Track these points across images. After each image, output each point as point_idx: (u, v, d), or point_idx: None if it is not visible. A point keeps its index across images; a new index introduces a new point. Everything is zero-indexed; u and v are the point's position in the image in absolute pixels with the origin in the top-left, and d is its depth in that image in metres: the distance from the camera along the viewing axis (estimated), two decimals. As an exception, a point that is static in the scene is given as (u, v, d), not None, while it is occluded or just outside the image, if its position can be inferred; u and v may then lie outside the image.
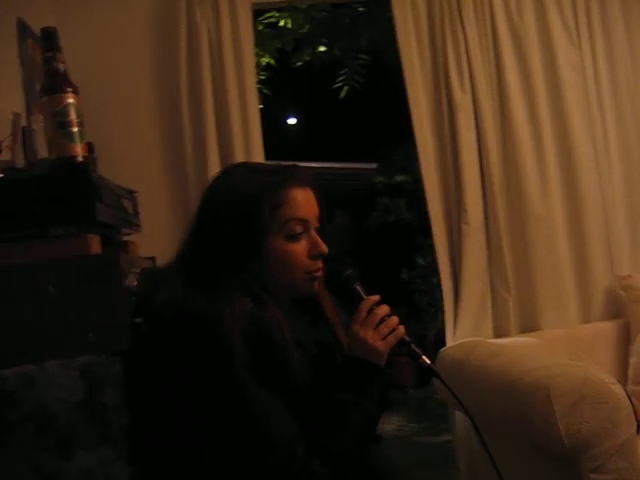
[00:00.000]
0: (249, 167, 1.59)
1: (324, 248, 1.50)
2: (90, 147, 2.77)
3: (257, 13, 3.65)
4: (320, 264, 1.51)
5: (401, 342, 1.45)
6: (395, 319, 1.45)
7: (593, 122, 3.09)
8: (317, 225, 1.53)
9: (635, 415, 2.38)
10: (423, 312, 5.67)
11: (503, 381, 2.27)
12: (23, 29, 2.58)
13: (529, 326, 3.03)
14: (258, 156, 2.92)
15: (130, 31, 3.02)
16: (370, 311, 1.44)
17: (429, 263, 5.30)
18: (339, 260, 1.60)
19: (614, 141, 3.13)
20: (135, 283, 1.51)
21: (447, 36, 3.00)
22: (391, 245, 6.11)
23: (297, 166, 1.55)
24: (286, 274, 1.47)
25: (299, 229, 1.48)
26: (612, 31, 3.14)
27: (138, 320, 1.45)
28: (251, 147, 2.91)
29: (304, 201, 1.50)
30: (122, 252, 1.83)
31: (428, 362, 1.46)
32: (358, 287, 1.50)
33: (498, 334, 3.01)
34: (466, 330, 2.97)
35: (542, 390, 2.04)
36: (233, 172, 1.57)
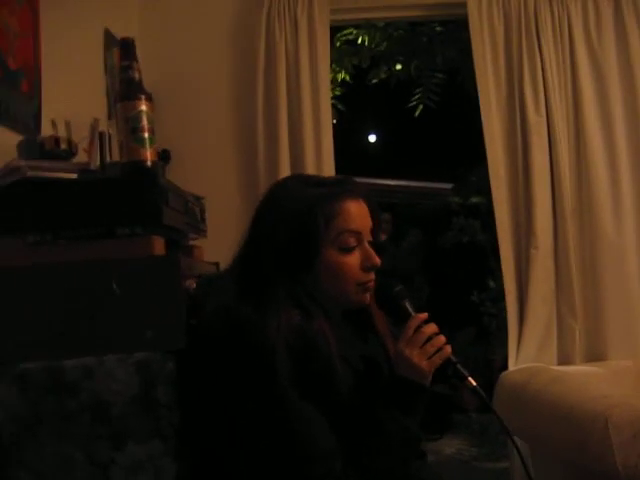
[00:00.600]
0: (304, 179, 1.63)
1: (377, 260, 1.51)
2: (166, 153, 2.90)
3: (335, 29, 3.73)
4: (372, 276, 1.52)
5: (447, 362, 1.44)
6: (442, 338, 1.44)
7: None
8: (370, 238, 1.54)
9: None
10: (492, 336, 5.59)
11: (562, 408, 2.23)
12: (109, 39, 2.70)
13: (595, 355, 2.97)
14: (329, 171, 2.95)
15: (210, 43, 3.12)
16: (417, 329, 1.44)
17: (500, 286, 5.21)
18: (390, 276, 1.60)
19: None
20: (194, 286, 1.56)
21: (523, 58, 2.98)
22: (464, 266, 6.05)
23: (351, 178, 1.58)
24: (338, 285, 1.49)
25: (352, 242, 1.49)
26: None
27: (193, 322, 1.50)
28: (322, 161, 2.96)
29: (357, 213, 1.51)
30: (186, 255, 1.88)
31: (474, 384, 1.44)
32: (407, 304, 1.51)
33: (562, 361, 2.96)
34: (529, 355, 2.93)
35: (600, 419, 2.00)
36: (288, 183, 1.61)
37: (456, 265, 6.39)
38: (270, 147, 2.97)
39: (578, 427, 2.08)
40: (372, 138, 11.05)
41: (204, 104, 3.11)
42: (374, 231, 1.56)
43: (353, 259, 1.49)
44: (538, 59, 2.98)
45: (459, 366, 1.45)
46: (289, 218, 1.48)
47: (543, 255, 2.94)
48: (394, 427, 1.39)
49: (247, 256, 1.52)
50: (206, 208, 2.48)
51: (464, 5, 3.02)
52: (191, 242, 2.05)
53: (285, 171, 2.91)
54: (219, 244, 1.87)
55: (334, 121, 3.14)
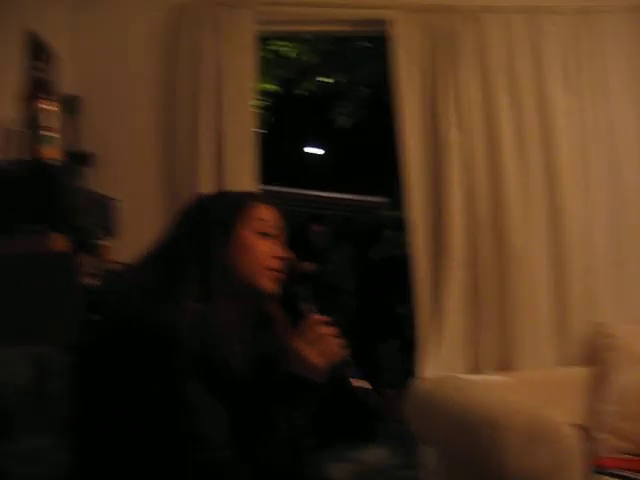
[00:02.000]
0: (226, 190, 1.72)
1: (289, 253, 1.59)
2: (85, 156, 2.89)
3: (263, 40, 3.78)
4: (281, 267, 1.58)
5: (340, 362, 1.50)
6: (339, 340, 1.50)
7: (584, 169, 3.15)
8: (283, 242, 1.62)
9: (592, 462, 2.41)
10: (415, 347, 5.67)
11: (462, 415, 2.31)
12: (31, 41, 2.68)
13: (503, 365, 3.05)
14: (250, 179, 2.99)
15: (137, 50, 3.14)
16: (314, 328, 1.50)
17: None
18: (294, 280, 1.65)
19: (602, 188, 3.17)
20: (93, 282, 1.58)
21: (442, 76, 3.09)
22: (392, 278, 6.14)
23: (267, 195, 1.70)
24: (250, 262, 1.54)
25: (270, 229, 1.58)
26: (608, 80, 3.21)
27: (95, 317, 1.51)
28: (244, 171, 2.99)
29: (274, 214, 1.61)
30: (93, 255, 1.90)
31: (368, 386, 1.50)
32: (307, 305, 1.56)
33: (472, 371, 3.03)
34: (440, 364, 2.99)
35: (495, 426, 2.08)
36: (214, 192, 1.75)
37: (384, 278, 6.47)
38: (192, 157, 2.98)
39: (476, 433, 2.16)
40: (312, 150, 11.15)
41: (130, 109, 3.12)
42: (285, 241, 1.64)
43: (267, 246, 1.56)
44: (456, 77, 3.09)
45: (353, 368, 1.51)
46: (212, 208, 1.58)
47: (456, 267, 3.02)
48: (285, 422, 1.43)
49: (161, 246, 1.56)
50: (125, 210, 2.51)
51: (387, 23, 3.11)
52: (102, 242, 2.06)
53: (206, 177, 2.94)
54: (136, 245, 1.90)
55: (264, 131, 3.17)
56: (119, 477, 1.40)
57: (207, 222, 1.54)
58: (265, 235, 1.57)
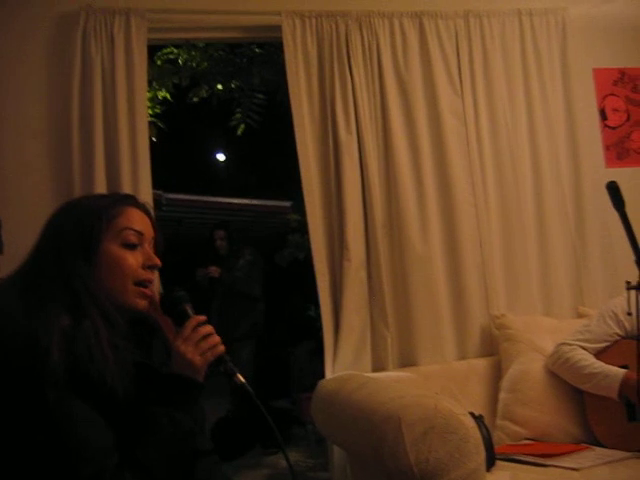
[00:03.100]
0: (93, 195, 1.69)
1: (157, 260, 1.61)
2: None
3: (156, 48, 3.76)
4: (152, 277, 1.60)
5: (219, 360, 1.55)
6: (216, 338, 1.55)
7: (472, 166, 3.26)
8: (152, 245, 1.64)
9: (493, 449, 2.50)
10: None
11: (362, 411, 2.34)
12: None
13: (407, 361, 3.13)
14: (146, 188, 2.96)
15: (25, 59, 3.05)
16: (194, 329, 1.53)
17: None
18: (173, 286, 1.68)
19: (492, 185, 3.29)
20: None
21: (335, 80, 3.14)
22: (300, 282, 6.19)
23: (134, 195, 1.72)
24: (117, 280, 1.55)
25: (134, 239, 1.59)
26: (493, 81, 3.34)
27: None
28: (139, 179, 2.95)
29: (140, 218, 1.63)
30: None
31: (242, 380, 1.54)
32: (187, 307, 1.59)
33: (376, 368, 3.09)
34: (345, 364, 3.04)
35: (394, 419, 2.11)
36: (77, 198, 1.74)
37: (293, 282, 6.52)
38: (85, 166, 2.92)
39: (375, 428, 2.18)
40: (220, 157, 11.10)
41: (19, 122, 3.04)
42: (156, 243, 1.65)
43: (134, 257, 1.58)
44: (349, 81, 3.14)
45: (230, 364, 1.55)
46: (74, 218, 1.57)
47: (355, 267, 3.07)
48: (166, 421, 1.45)
49: (28, 261, 1.55)
50: (14, 226, 2.44)
51: (279, 28, 3.14)
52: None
53: (101, 190, 2.88)
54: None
55: (154, 139, 3.15)
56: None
57: (70, 236, 1.53)
58: (132, 246, 1.57)
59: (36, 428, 1.35)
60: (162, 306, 1.60)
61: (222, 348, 1.54)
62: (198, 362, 1.51)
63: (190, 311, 1.59)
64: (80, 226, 1.55)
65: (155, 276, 1.64)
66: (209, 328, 1.55)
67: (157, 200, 8.12)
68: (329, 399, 2.73)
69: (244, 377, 1.55)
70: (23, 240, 1.72)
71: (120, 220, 1.58)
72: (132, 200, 1.67)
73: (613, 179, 3.32)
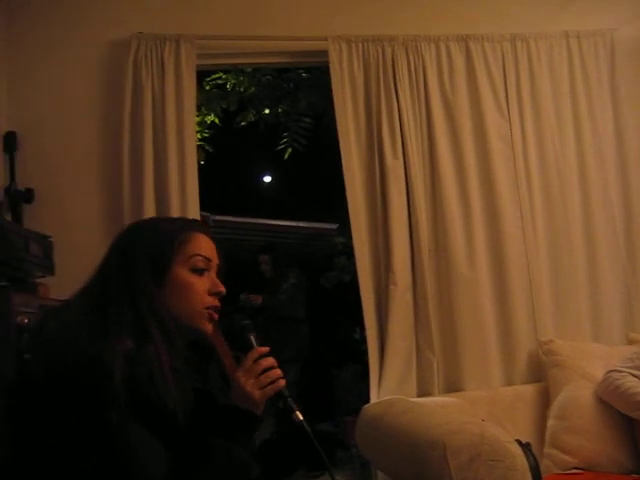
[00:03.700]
0: (160, 217, 1.72)
1: (222, 288, 1.61)
2: (30, 193, 2.89)
3: (204, 74, 3.83)
4: (218, 303, 1.60)
5: (279, 395, 1.52)
6: (277, 372, 1.53)
7: (520, 191, 3.24)
8: (216, 271, 1.64)
9: (540, 478, 2.45)
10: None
11: (407, 436, 2.32)
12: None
13: (453, 387, 3.10)
14: (194, 211, 3.00)
15: (78, 85, 3.14)
16: (256, 361, 1.52)
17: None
18: (239, 312, 1.68)
19: (540, 209, 3.26)
20: (26, 321, 1.57)
21: (382, 104, 3.15)
22: (346, 305, 6.20)
23: (203, 221, 1.70)
24: (185, 303, 1.56)
25: (202, 265, 1.59)
26: (541, 105, 3.32)
27: (27, 356, 1.50)
28: (187, 202, 2.99)
29: (207, 244, 1.64)
30: (27, 292, 1.89)
31: (301, 418, 1.51)
32: (251, 337, 1.58)
33: (422, 394, 3.07)
34: (390, 389, 3.02)
35: (439, 445, 2.08)
36: (145, 219, 1.78)
37: (338, 305, 6.51)
38: (135, 188, 2.98)
39: (419, 453, 2.16)
40: (267, 179, 11.19)
41: (71, 146, 3.12)
42: (219, 269, 1.66)
43: (202, 282, 1.59)
44: (395, 105, 3.15)
45: (289, 400, 1.53)
46: (146, 240, 1.58)
47: (402, 291, 3.07)
48: (222, 453, 1.44)
49: (95, 281, 1.56)
50: (67, 248, 2.49)
51: (326, 53, 3.17)
52: (40, 280, 2.05)
53: (150, 212, 2.93)
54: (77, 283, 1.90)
55: (202, 162, 3.19)
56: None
57: (140, 258, 1.54)
58: (200, 271, 1.59)
59: (94, 450, 1.35)
60: (225, 333, 1.60)
61: (283, 383, 1.53)
62: (257, 396, 1.50)
63: (254, 341, 1.57)
64: (151, 248, 1.56)
65: (219, 303, 1.64)
66: (271, 361, 1.54)
67: (204, 222, 8.19)
68: (374, 423, 2.72)
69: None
70: (73, 261, 1.76)
71: (190, 246, 1.59)
72: (200, 226, 1.68)
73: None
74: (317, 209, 8.21)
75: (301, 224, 9.17)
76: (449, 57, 3.25)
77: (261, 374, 1.51)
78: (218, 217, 8.44)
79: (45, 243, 2.02)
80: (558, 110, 3.34)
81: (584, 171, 3.33)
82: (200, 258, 1.59)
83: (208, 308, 1.59)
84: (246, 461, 1.49)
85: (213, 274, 1.62)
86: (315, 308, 6.44)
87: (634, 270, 3.31)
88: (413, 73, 3.21)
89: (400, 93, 3.17)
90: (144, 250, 1.55)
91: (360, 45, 3.20)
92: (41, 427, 1.40)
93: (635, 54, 3.51)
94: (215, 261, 1.65)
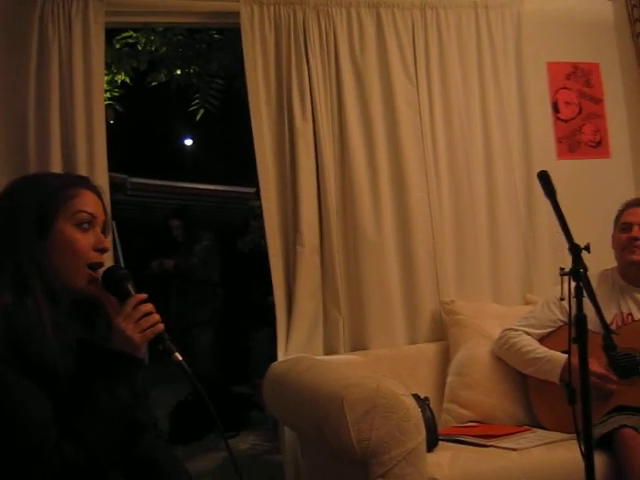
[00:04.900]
0: (46, 173, 1.72)
1: (107, 243, 1.65)
2: None
3: (115, 32, 3.77)
4: (102, 258, 1.64)
5: (158, 337, 1.58)
6: (156, 316, 1.58)
7: (426, 155, 3.32)
8: (102, 229, 1.67)
9: (436, 430, 2.57)
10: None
11: (308, 391, 2.41)
12: None
13: (358, 345, 3.19)
14: (101, 170, 2.97)
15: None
16: (135, 307, 1.57)
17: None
18: (116, 266, 1.72)
19: (444, 174, 3.36)
20: None
21: (292, 67, 3.17)
22: (262, 269, 6.25)
23: (89, 178, 1.75)
24: (69, 260, 1.58)
25: (87, 220, 1.61)
26: (448, 73, 3.40)
27: None
28: (95, 161, 2.96)
29: (94, 201, 1.66)
30: None
31: (180, 358, 1.57)
32: (129, 285, 1.62)
33: (328, 352, 3.15)
34: (297, 347, 3.09)
35: (337, 399, 2.18)
36: (29, 175, 1.75)
37: (254, 268, 6.55)
38: (41, 147, 2.92)
39: (319, 407, 2.25)
40: (188, 142, 11.10)
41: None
42: (105, 225, 1.69)
43: (86, 238, 1.61)
44: (305, 69, 3.18)
45: (168, 342, 1.58)
46: (30, 195, 1.59)
47: (309, 252, 3.13)
48: (104, 394, 1.48)
49: None
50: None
51: (238, 15, 3.16)
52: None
53: (57, 170, 2.88)
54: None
55: (112, 121, 3.16)
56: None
57: (24, 212, 1.55)
58: (85, 228, 1.61)
59: None
60: (104, 284, 1.63)
61: (161, 326, 1.58)
62: (137, 339, 1.54)
63: (132, 289, 1.62)
64: (35, 203, 1.57)
65: (104, 259, 1.67)
66: (149, 306, 1.58)
67: (122, 184, 8.09)
68: (279, 381, 2.80)
69: (185, 359, 1.57)
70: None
71: (75, 202, 1.61)
72: (86, 182, 1.70)
73: (564, 169, 3.46)
74: (236, 173, 8.19)
75: (219, 187, 9.15)
76: (360, 22, 3.28)
77: (140, 319, 1.56)
78: (135, 180, 8.36)
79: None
80: (465, 78, 3.42)
81: (488, 138, 3.43)
82: (85, 214, 1.61)
83: (91, 266, 1.61)
84: (129, 400, 1.54)
85: (98, 230, 1.65)
86: (231, 272, 6.46)
87: (533, 235, 3.46)
88: (324, 37, 3.23)
89: (310, 57, 3.19)
90: (28, 204, 1.56)
91: (272, 7, 3.19)
92: None
93: (540, 26, 3.62)
94: (101, 217, 1.67)
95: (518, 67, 3.52)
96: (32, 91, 2.95)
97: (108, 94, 3.82)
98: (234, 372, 6.45)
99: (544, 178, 1.97)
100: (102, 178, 2.93)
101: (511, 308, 3.24)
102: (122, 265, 6.36)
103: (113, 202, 2.99)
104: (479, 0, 3.48)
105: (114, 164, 3.18)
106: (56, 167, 2.90)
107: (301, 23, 3.21)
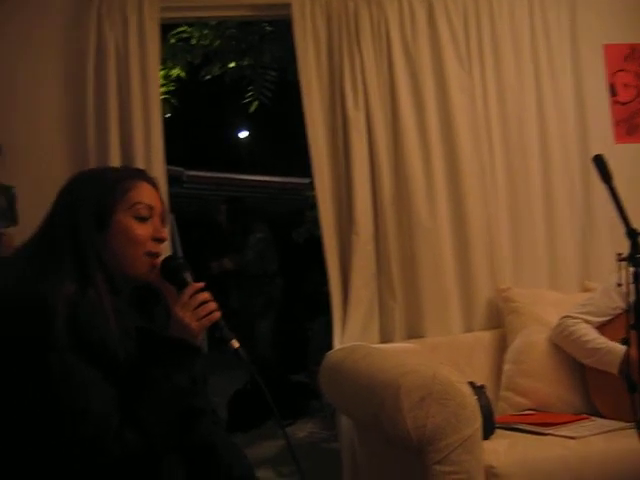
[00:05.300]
0: (104, 167, 1.77)
1: (164, 234, 1.70)
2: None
3: (170, 27, 3.83)
4: (160, 249, 1.69)
5: (215, 325, 1.63)
6: (212, 304, 1.62)
7: (480, 142, 3.29)
8: (160, 219, 1.72)
9: (492, 418, 2.56)
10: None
11: (364, 379, 2.43)
12: None
13: (414, 333, 3.20)
14: (159, 163, 3.04)
15: (41, 38, 3.14)
16: (192, 295, 1.62)
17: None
18: (173, 255, 1.77)
19: (500, 161, 3.33)
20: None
21: (344, 58, 3.18)
22: (318, 258, 6.28)
23: (145, 170, 1.81)
24: (128, 249, 1.64)
25: (145, 212, 1.67)
26: (502, 58, 3.35)
27: None
28: (152, 155, 3.03)
29: (151, 193, 1.72)
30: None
31: (236, 346, 1.61)
32: (186, 274, 1.67)
33: (384, 340, 3.16)
34: (353, 335, 3.11)
35: (393, 386, 2.19)
36: (88, 170, 1.80)
37: (310, 258, 6.58)
38: (100, 141, 3.01)
39: (375, 395, 2.27)
40: (244, 134, 11.19)
41: (37, 100, 3.13)
42: (162, 217, 1.73)
43: (145, 229, 1.66)
44: (357, 58, 3.18)
45: (225, 330, 1.63)
46: (89, 189, 1.65)
47: (364, 240, 3.14)
48: (163, 380, 1.53)
49: (41, 229, 1.64)
50: (32, 199, 2.53)
51: (289, 6, 3.19)
52: (3, 230, 2.10)
53: (115, 164, 2.96)
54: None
55: (168, 115, 3.22)
56: (15, 454, 1.47)
57: (84, 206, 1.61)
58: (143, 219, 1.66)
59: (38, 389, 1.43)
60: (162, 273, 1.68)
61: (218, 314, 1.62)
62: (195, 327, 1.59)
63: (189, 278, 1.66)
64: (95, 197, 1.63)
65: (162, 249, 1.72)
66: (206, 295, 1.62)
67: (178, 177, 8.22)
68: (335, 369, 2.82)
69: (241, 347, 1.62)
70: (37, 212, 1.81)
71: (133, 194, 1.66)
72: (143, 175, 1.76)
73: (622, 153, 3.40)
74: (291, 164, 8.24)
75: (275, 179, 9.22)
76: (411, 10, 3.26)
77: (197, 307, 1.61)
78: (192, 172, 8.47)
79: (8, 194, 2.07)
80: (519, 63, 3.37)
81: (544, 124, 3.38)
82: (143, 206, 1.66)
83: (149, 254, 1.66)
84: (187, 386, 1.57)
85: (157, 220, 1.70)
86: (288, 262, 6.51)
87: (590, 221, 3.39)
88: (376, 26, 3.22)
89: (362, 46, 3.19)
90: (88, 198, 1.62)
91: (323, -2, 3.21)
92: None
93: (596, 7, 3.55)
94: (158, 209, 1.72)
95: (573, 50, 3.46)
96: (91, 87, 3.04)
97: (164, 88, 3.88)
98: (293, 361, 6.51)
99: (599, 162, 1.94)
100: (159, 171, 3.01)
101: (569, 295, 3.19)
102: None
103: (170, 195, 3.06)
104: (532, -17, 3.43)
105: (171, 157, 3.24)
106: (115, 161, 2.97)
107: (353, 13, 3.21)
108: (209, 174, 8.61)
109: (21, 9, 3.13)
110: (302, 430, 5.16)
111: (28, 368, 1.44)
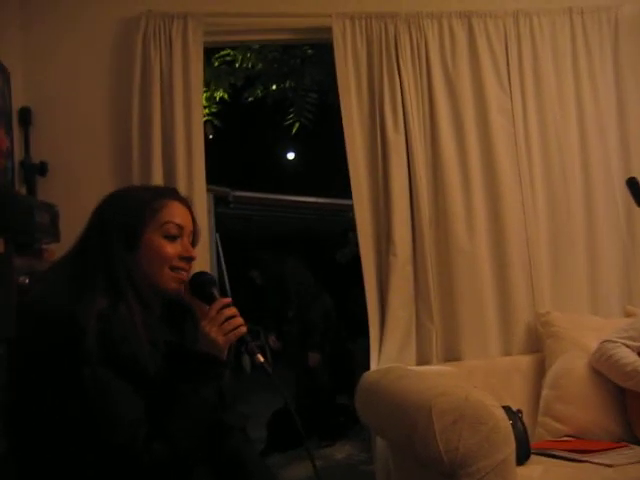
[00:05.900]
0: (138, 185, 1.82)
1: (193, 252, 1.75)
2: (44, 166, 3.01)
3: (213, 50, 3.91)
4: (187, 266, 1.73)
5: (241, 340, 1.66)
6: (239, 320, 1.66)
7: (520, 165, 3.28)
8: (191, 238, 1.76)
9: (528, 443, 2.53)
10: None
11: (398, 400, 2.42)
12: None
13: (451, 356, 3.18)
14: (200, 183, 3.09)
15: (89, 63, 3.23)
16: (220, 311, 1.65)
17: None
18: (202, 271, 1.81)
19: (539, 183, 3.31)
20: (27, 281, 1.70)
21: (384, 80, 3.21)
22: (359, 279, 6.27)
23: (176, 189, 1.86)
24: (156, 267, 1.69)
25: (174, 231, 1.72)
26: (542, 81, 3.36)
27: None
28: (193, 174, 3.09)
29: (182, 212, 1.76)
30: (34, 257, 2.00)
31: (262, 360, 1.64)
32: (214, 290, 1.72)
33: (420, 362, 3.15)
34: (390, 357, 3.11)
35: (425, 408, 2.18)
36: (123, 188, 1.86)
37: (353, 280, 6.58)
38: (144, 161, 3.08)
39: (408, 416, 2.26)
40: (290, 156, 11.29)
41: (83, 121, 3.21)
42: (193, 236, 1.78)
43: (173, 247, 1.71)
44: (397, 81, 3.21)
45: (251, 344, 1.67)
46: (120, 209, 1.71)
47: (402, 262, 3.14)
48: (191, 394, 1.57)
49: (76, 247, 1.71)
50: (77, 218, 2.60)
51: (330, 30, 3.23)
52: (46, 246, 2.16)
53: (158, 183, 3.03)
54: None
55: (210, 136, 3.27)
56: (47, 462, 1.51)
57: (115, 226, 1.66)
58: (172, 238, 1.70)
59: (70, 400, 1.48)
60: (191, 288, 1.72)
61: (244, 329, 1.65)
62: (221, 341, 1.62)
63: (216, 293, 1.71)
64: (125, 217, 1.68)
65: (190, 267, 1.76)
66: (233, 310, 1.66)
67: (224, 197, 8.33)
68: (371, 390, 2.81)
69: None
70: (79, 230, 1.88)
71: (163, 213, 1.71)
72: (175, 194, 1.80)
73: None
74: (336, 185, 8.28)
75: (319, 200, 9.26)
76: (451, 33, 3.29)
77: (224, 322, 1.64)
78: (238, 193, 8.57)
79: (52, 212, 2.13)
80: (560, 86, 3.37)
81: (585, 146, 3.36)
82: (172, 225, 1.71)
83: (173, 269, 1.70)
84: (214, 401, 1.61)
85: (186, 240, 1.74)
86: (332, 283, 6.53)
87: (633, 244, 3.36)
88: (415, 49, 3.25)
89: (402, 69, 3.22)
90: (119, 218, 1.68)
91: (363, 22, 3.24)
92: (26, 379, 1.53)
93: (638, 28, 3.52)
94: (189, 228, 1.76)
95: (616, 71, 3.44)
96: (136, 108, 3.11)
97: (207, 110, 3.96)
98: (341, 382, 6.51)
99: (633, 185, 1.92)
100: (200, 191, 3.07)
101: (610, 320, 3.15)
102: (225, 276, 6.55)
103: (217, 215, 3.11)
104: (574, 5, 3.42)
105: (219, 178, 3.30)
106: (157, 180, 3.04)
107: (392, 35, 3.25)
108: (255, 194, 8.70)
109: (70, 32, 3.23)
110: (340, 452, 5.15)
111: (62, 381, 1.49)
